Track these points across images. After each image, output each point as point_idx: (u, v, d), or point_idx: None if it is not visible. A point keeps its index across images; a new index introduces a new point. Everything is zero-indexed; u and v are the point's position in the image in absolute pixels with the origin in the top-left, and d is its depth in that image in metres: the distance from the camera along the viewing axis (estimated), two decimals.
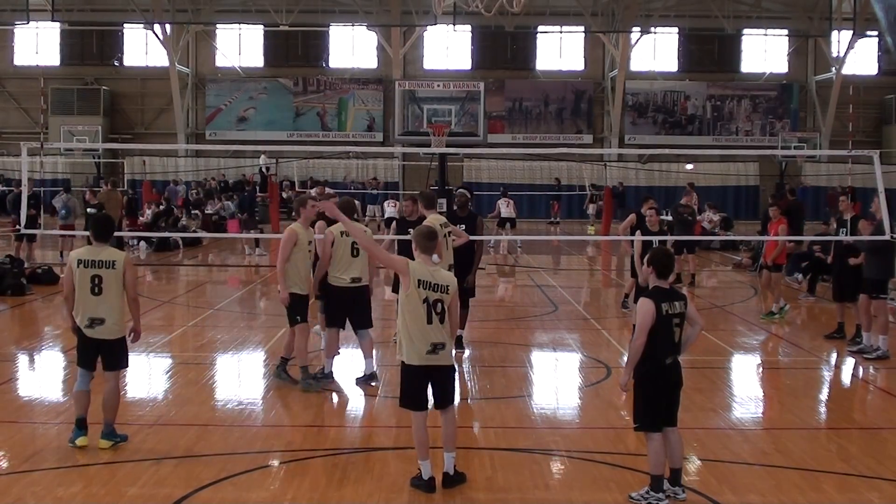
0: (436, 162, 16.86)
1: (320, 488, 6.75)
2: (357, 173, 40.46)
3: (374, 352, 9.86)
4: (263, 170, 33.96)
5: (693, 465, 7.32)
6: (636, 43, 40.17)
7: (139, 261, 22.34)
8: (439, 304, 6.54)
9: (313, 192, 21.26)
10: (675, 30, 41.84)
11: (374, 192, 38.12)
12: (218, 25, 41.70)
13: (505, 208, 25.30)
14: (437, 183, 16.47)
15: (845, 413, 9.53)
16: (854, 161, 34.70)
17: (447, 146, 15.98)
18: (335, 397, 9.46)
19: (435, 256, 6.65)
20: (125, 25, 41.44)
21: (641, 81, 41.53)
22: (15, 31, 41.03)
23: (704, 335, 11.33)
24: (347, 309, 9.66)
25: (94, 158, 38.83)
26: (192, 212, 32.46)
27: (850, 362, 11.68)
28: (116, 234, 10.85)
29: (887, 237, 11.42)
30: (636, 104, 41.80)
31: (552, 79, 41.69)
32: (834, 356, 12.13)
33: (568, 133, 41.35)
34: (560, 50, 42.06)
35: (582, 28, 41.15)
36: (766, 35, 41.98)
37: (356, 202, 10.56)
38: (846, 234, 12.47)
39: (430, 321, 6.52)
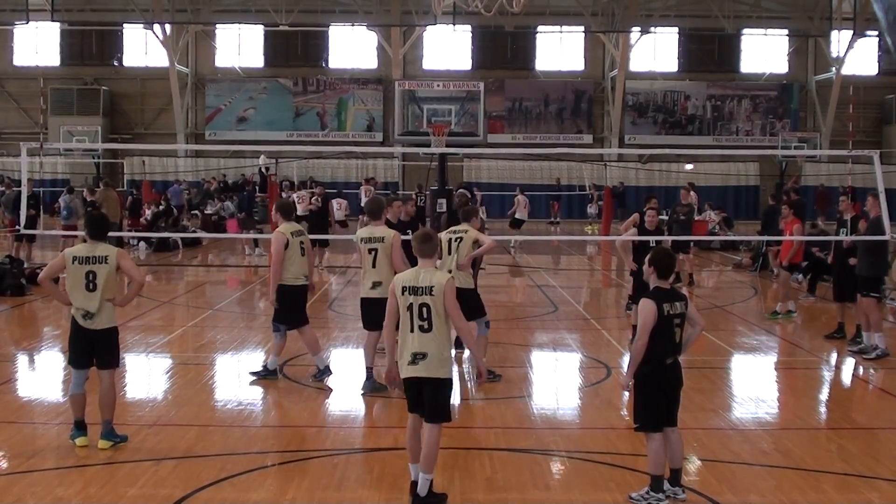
0: (436, 162, 16.81)
1: (320, 489, 6.75)
2: (357, 173, 40.44)
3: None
4: (263, 170, 33.91)
5: (693, 465, 7.32)
6: (636, 43, 40.14)
7: (139, 261, 22.32)
8: (425, 309, 6.34)
9: (316, 191, 21.26)
10: (675, 30, 41.81)
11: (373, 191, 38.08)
12: (217, 25, 41.65)
13: (522, 208, 25.39)
14: (438, 183, 16.46)
15: (845, 413, 9.52)
16: (854, 161, 34.75)
17: (447, 146, 15.95)
18: (335, 397, 9.45)
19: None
20: (125, 25, 41.38)
21: (641, 81, 41.50)
22: (15, 31, 40.96)
23: (705, 335, 11.31)
24: (301, 308, 9.92)
25: (93, 158, 38.75)
26: (192, 212, 32.41)
27: (850, 362, 11.68)
28: (116, 234, 10.85)
29: (887, 237, 11.42)
30: (636, 104, 41.77)
31: (552, 79, 41.67)
32: (834, 356, 12.13)
33: (568, 133, 41.33)
34: (560, 50, 42.07)
35: (582, 28, 41.14)
36: (766, 35, 41.93)
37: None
38: (847, 235, 12.46)
39: (412, 329, 6.36)
